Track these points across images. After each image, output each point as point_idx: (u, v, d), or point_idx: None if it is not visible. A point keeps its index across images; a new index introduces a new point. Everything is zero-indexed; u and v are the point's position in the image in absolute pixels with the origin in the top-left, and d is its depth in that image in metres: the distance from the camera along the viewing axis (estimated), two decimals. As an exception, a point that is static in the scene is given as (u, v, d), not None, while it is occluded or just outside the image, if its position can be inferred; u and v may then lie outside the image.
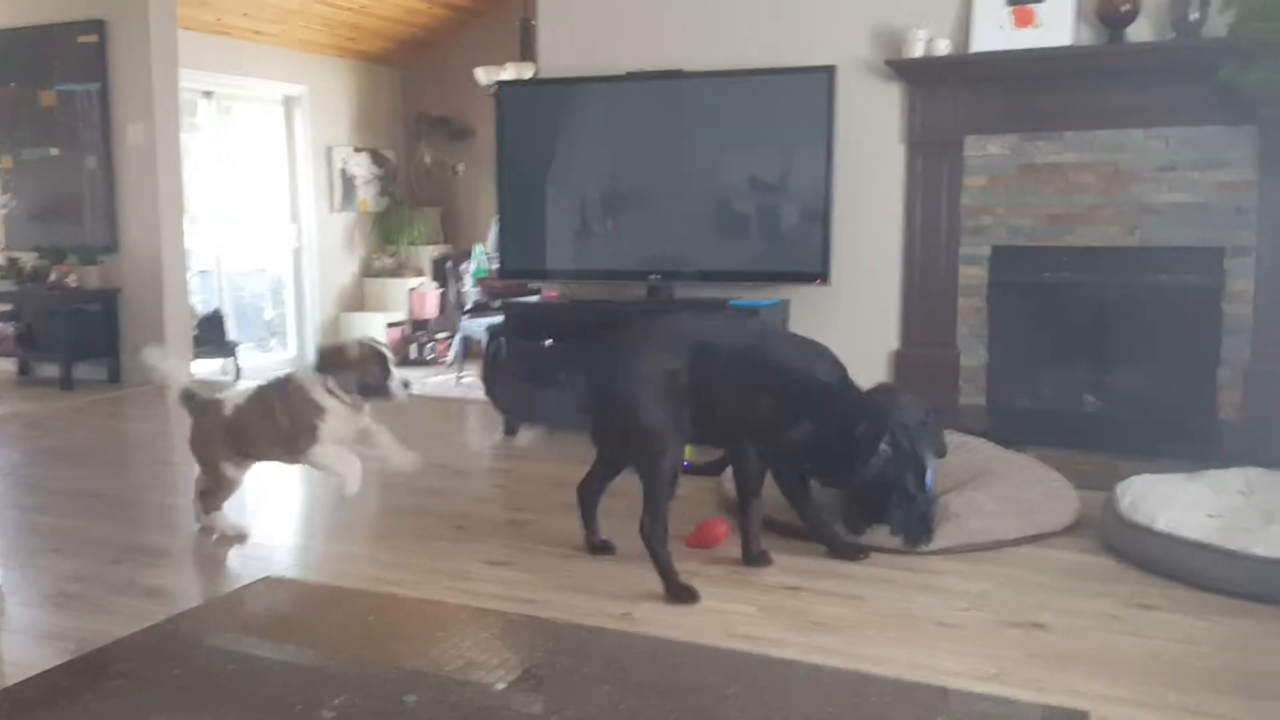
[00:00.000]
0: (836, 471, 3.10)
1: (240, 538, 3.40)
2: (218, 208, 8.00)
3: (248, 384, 3.61)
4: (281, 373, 3.47)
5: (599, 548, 3.26)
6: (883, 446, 2.99)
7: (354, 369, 3.29)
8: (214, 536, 3.42)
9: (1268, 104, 4.12)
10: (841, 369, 3.13)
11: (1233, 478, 3.38)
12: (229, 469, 3.40)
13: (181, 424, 3.65)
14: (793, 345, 3.21)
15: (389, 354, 3.41)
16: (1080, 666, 2.45)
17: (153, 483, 4.27)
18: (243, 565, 3.23)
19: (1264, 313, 4.36)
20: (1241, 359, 4.41)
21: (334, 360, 3.30)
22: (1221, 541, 2.91)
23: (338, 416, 3.31)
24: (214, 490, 3.43)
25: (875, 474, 3.00)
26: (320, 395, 3.27)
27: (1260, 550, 2.83)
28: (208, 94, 7.82)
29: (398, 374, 3.40)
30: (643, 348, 3.01)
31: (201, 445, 3.44)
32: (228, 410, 3.38)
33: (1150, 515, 3.09)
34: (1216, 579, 2.88)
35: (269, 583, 1.79)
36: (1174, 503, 3.14)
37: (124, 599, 2.93)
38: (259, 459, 3.46)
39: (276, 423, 3.31)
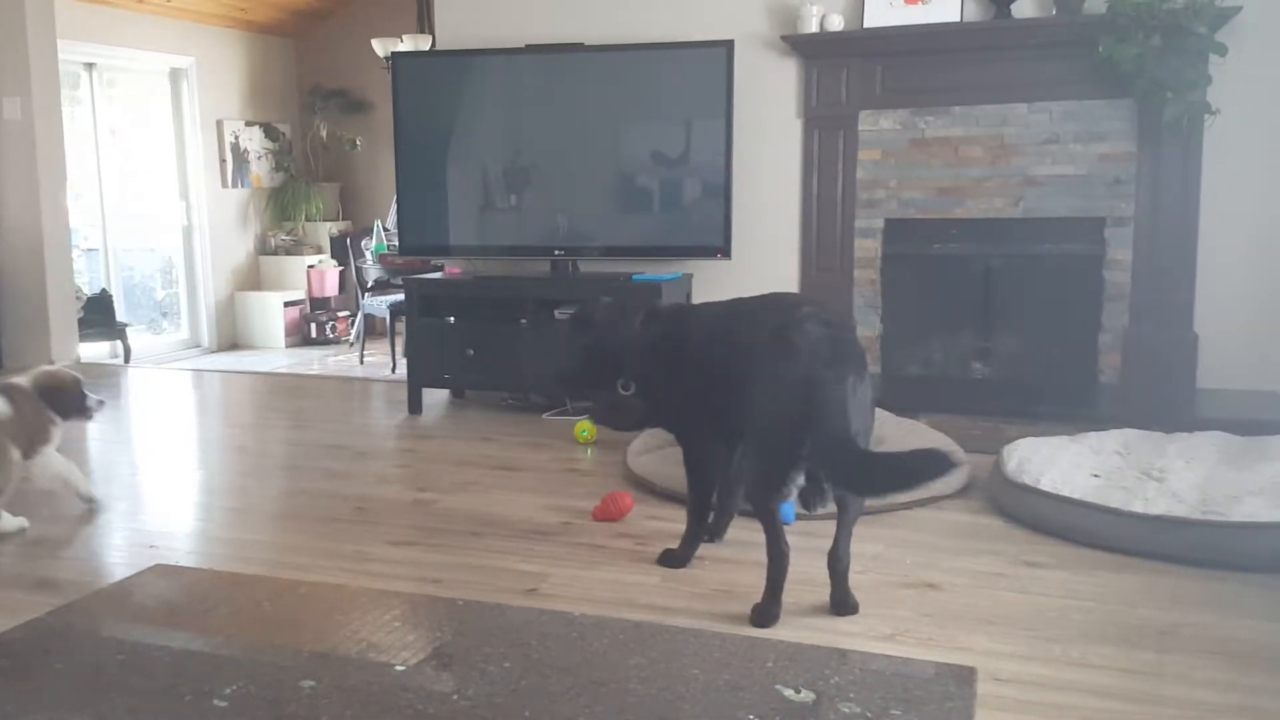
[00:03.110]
0: None
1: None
2: (103, 184, 7.69)
3: None
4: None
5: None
6: None
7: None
8: None
9: (1143, 78, 4.29)
10: None
11: (1111, 439, 3.54)
12: None
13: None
14: None
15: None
16: (971, 623, 2.54)
17: (37, 472, 4.11)
18: (135, 554, 3.14)
19: (1141, 280, 4.55)
20: (1120, 324, 4.61)
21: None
22: (1102, 500, 3.05)
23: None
24: None
25: None
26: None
27: (1138, 507, 2.97)
28: (89, 66, 7.49)
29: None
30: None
31: None
32: None
33: (1035, 476, 3.22)
34: (1098, 535, 3.01)
35: (159, 571, 1.75)
36: (1057, 464, 3.28)
37: (10, 592, 2.82)
38: None
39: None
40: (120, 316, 7.50)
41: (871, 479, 2.46)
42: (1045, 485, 3.16)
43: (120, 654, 1.40)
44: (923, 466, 2.32)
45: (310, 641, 1.43)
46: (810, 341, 2.46)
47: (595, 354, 3.01)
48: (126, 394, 5.96)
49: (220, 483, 4.07)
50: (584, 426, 4.39)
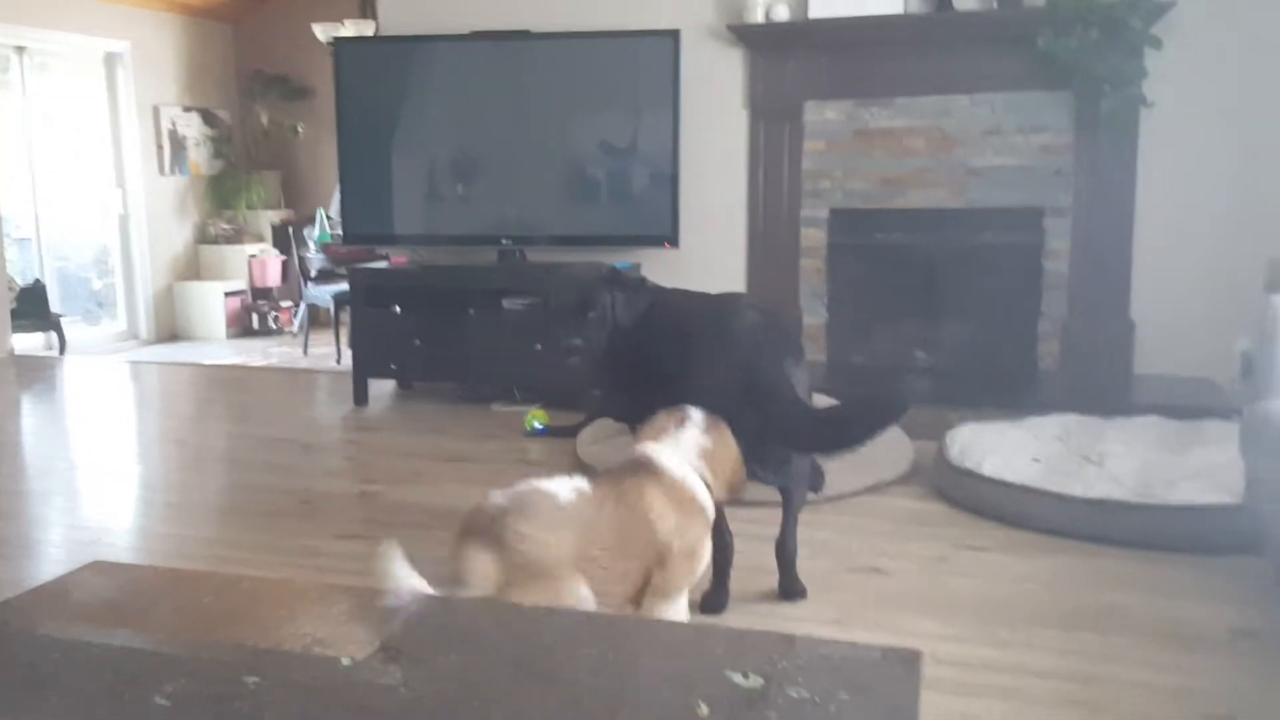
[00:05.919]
0: None
1: None
2: (35, 172, 7.48)
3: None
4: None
5: None
6: None
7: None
8: None
9: (1081, 71, 4.37)
10: None
11: (1051, 424, 3.61)
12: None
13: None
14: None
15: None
16: (917, 607, 2.58)
17: (-31, 468, 4.01)
18: (74, 551, 3.07)
19: (1079, 269, 4.64)
20: (1059, 313, 4.69)
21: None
22: (1043, 484, 3.10)
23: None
24: None
25: None
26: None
27: (1078, 491, 3.03)
28: (20, 50, 7.28)
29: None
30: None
31: None
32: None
33: (977, 461, 3.27)
34: (1039, 519, 3.07)
35: (97, 568, 1.71)
36: (999, 449, 3.33)
37: (-61, 593, 2.75)
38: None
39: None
40: (54, 307, 7.31)
41: (822, 435, 2.44)
42: (987, 470, 3.21)
43: (57, 653, 1.36)
44: (873, 416, 2.34)
45: (254, 637, 1.41)
46: (745, 328, 2.52)
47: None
48: (61, 387, 5.82)
49: (160, 477, 3.99)
50: (534, 416, 4.38)
